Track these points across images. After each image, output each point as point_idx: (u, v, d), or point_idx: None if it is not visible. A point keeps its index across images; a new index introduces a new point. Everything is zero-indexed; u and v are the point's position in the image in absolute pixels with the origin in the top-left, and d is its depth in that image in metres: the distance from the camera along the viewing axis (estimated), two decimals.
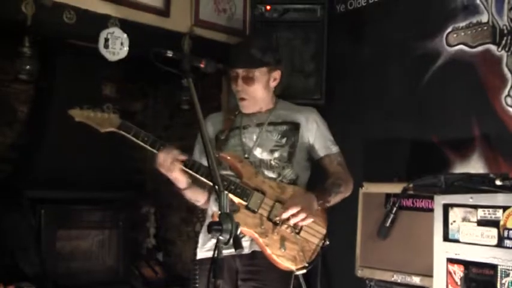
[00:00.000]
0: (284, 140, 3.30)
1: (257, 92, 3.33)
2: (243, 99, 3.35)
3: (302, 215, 3.03)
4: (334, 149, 3.41)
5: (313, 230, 3.16)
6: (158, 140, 3.15)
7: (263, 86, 3.33)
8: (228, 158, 3.26)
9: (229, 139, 3.38)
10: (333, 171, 3.38)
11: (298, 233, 3.13)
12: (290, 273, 3.11)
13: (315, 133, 3.38)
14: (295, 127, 3.35)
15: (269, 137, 3.32)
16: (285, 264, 3.10)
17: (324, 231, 3.20)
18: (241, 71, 3.30)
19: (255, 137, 3.33)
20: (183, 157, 3.12)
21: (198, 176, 3.13)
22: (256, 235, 3.11)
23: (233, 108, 3.54)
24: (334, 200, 3.27)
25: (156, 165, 3.16)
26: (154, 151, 3.14)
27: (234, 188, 3.12)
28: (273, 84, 3.39)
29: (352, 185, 3.43)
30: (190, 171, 3.14)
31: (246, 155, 3.30)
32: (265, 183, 3.21)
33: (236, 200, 3.15)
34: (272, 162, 3.28)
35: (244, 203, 3.14)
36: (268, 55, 3.34)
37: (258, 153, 3.30)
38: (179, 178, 3.20)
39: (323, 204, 3.18)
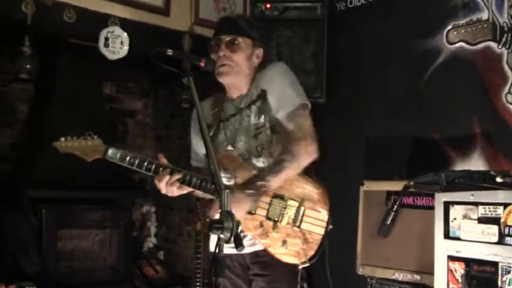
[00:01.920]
0: (262, 119, 3.12)
1: (240, 61, 3.15)
2: (224, 65, 3.12)
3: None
4: (295, 102, 3.08)
5: (313, 219, 3.03)
6: (146, 160, 3.04)
7: (246, 56, 3.17)
8: (221, 160, 3.13)
9: (216, 135, 3.26)
10: (289, 134, 3.07)
11: (299, 226, 3.03)
12: (297, 266, 3.07)
13: (273, 94, 3.11)
14: (264, 97, 3.14)
15: (249, 122, 3.16)
16: (289, 261, 3.04)
17: (325, 217, 3.04)
18: (224, 37, 3.15)
19: (237, 126, 3.21)
20: (176, 177, 3.00)
21: (196, 190, 3.04)
22: (257, 238, 3.07)
23: (217, 98, 3.39)
24: (281, 179, 3.01)
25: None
26: (143, 171, 3.05)
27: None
28: (255, 61, 3.22)
29: (310, 149, 3.06)
30: (189, 187, 3.04)
31: (232, 149, 3.18)
32: (241, 168, 3.10)
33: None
34: (259, 148, 3.13)
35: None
36: (255, 31, 3.22)
37: (245, 142, 3.16)
38: (184, 192, 3.09)
39: (259, 191, 2.98)
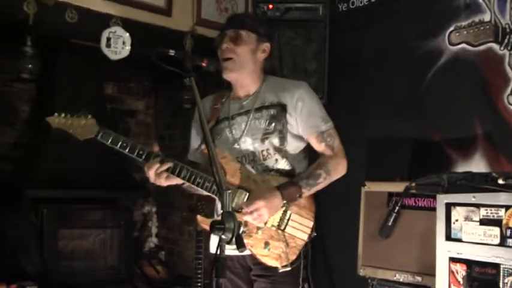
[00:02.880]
0: (272, 126, 3.12)
1: (244, 55, 3.15)
2: (227, 58, 3.13)
3: (257, 214, 2.92)
4: (324, 126, 3.16)
5: (299, 224, 3.04)
6: (138, 146, 3.06)
7: (251, 50, 3.17)
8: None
9: (219, 133, 3.26)
10: (320, 153, 3.19)
11: (283, 230, 3.03)
12: (299, 266, 3.08)
13: (300, 112, 3.14)
14: (282, 109, 3.14)
15: (257, 125, 3.15)
16: (269, 263, 3.04)
17: (310, 223, 3.06)
18: (229, 31, 3.17)
19: (243, 127, 3.18)
20: (165, 166, 3.02)
21: (185, 181, 3.04)
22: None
23: (220, 95, 3.38)
24: (311, 191, 3.07)
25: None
26: (134, 157, 3.07)
27: (214, 188, 2.99)
28: (261, 55, 3.23)
29: (341, 168, 3.18)
30: (178, 178, 3.05)
31: (234, 149, 3.18)
32: (250, 179, 3.09)
33: (220, 200, 3.08)
34: (264, 152, 3.14)
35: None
36: (260, 27, 3.24)
37: (249, 144, 3.16)
38: (172, 183, 3.12)
39: (293, 200, 3.02)
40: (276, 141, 3.13)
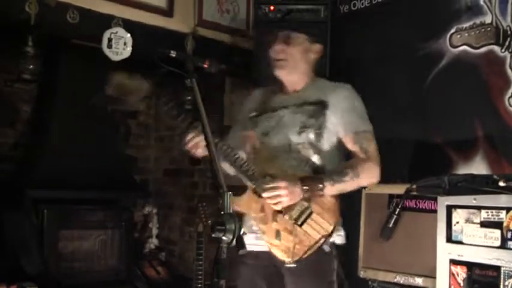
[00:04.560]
0: (311, 121, 3.17)
1: (296, 55, 3.25)
2: (280, 59, 3.25)
3: (276, 193, 2.97)
4: (362, 128, 3.21)
5: (317, 225, 3.01)
6: (184, 113, 3.23)
7: (302, 50, 3.27)
8: (249, 139, 3.29)
9: (261, 121, 3.34)
10: (353, 154, 3.20)
11: (300, 225, 3.02)
12: (329, 254, 3.09)
13: (341, 110, 3.19)
14: (323, 106, 3.20)
15: (297, 119, 3.21)
16: (277, 254, 3.06)
17: (329, 228, 3.01)
18: (281, 33, 3.27)
19: (284, 120, 3.25)
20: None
21: (223, 159, 3.13)
22: (256, 221, 3.13)
23: (270, 88, 3.47)
24: (335, 189, 3.05)
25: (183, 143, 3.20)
26: (177, 121, 3.23)
27: (245, 169, 3.09)
28: (312, 56, 3.33)
29: (372, 174, 3.17)
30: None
31: (271, 138, 3.25)
32: (280, 169, 3.13)
33: (246, 181, 3.15)
34: (299, 146, 3.17)
35: (252, 186, 3.12)
36: (311, 29, 3.35)
37: (286, 136, 3.21)
38: (206, 154, 3.10)
39: (314, 192, 3.02)
40: (311, 136, 3.17)
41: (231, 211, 2.14)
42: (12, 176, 5.35)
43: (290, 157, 3.19)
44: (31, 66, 4.38)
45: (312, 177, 3.07)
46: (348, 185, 3.09)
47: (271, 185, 2.99)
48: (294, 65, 3.27)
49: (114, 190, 5.61)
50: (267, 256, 3.13)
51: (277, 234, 3.05)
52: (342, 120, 3.19)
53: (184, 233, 6.20)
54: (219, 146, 3.07)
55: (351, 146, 3.19)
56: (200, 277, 4.42)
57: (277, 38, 3.27)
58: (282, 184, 2.97)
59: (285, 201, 2.99)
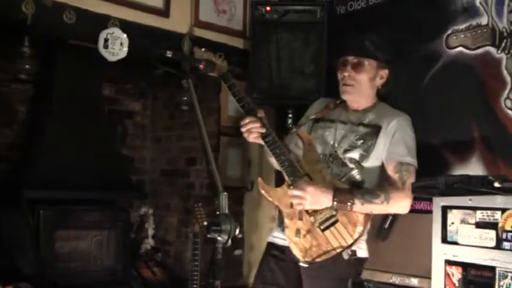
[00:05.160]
0: (360, 142, 3.26)
1: (363, 82, 3.32)
2: (347, 84, 3.33)
3: (300, 194, 3.05)
4: (407, 159, 3.22)
5: (339, 235, 3.06)
6: (248, 101, 3.22)
7: (370, 77, 3.34)
8: (301, 136, 3.34)
9: (317, 127, 3.46)
10: (390, 181, 3.20)
11: (323, 230, 3.08)
12: (349, 260, 3.10)
13: (391, 137, 3.25)
14: (376, 131, 3.28)
15: (348, 137, 3.31)
16: (294, 251, 3.13)
17: (350, 240, 3.05)
18: (351, 58, 3.33)
19: (338, 133, 3.34)
20: (261, 130, 3.18)
21: (269, 151, 3.22)
22: (283, 213, 3.21)
23: (336, 100, 3.51)
24: (363, 208, 3.06)
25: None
26: (239, 106, 3.24)
27: (286, 164, 3.16)
28: (379, 81, 3.39)
29: (403, 204, 3.16)
30: (264, 145, 3.23)
31: (321, 145, 3.36)
32: (320, 174, 3.19)
33: (285, 176, 3.18)
34: (345, 160, 3.26)
35: (289, 182, 3.16)
36: (380, 51, 3.36)
37: (335, 148, 3.31)
38: (256, 142, 3.28)
39: (343, 205, 3.05)
40: (357, 156, 3.25)
41: (227, 212, 2.14)
42: (8, 176, 5.34)
43: (333, 166, 3.29)
44: (27, 66, 4.39)
45: (346, 191, 3.10)
46: (377, 208, 3.12)
47: (298, 187, 3.08)
48: (360, 91, 3.35)
49: (110, 190, 5.60)
50: (289, 252, 3.21)
51: (297, 232, 3.13)
52: (390, 148, 3.24)
53: (181, 234, 6.20)
54: (267, 139, 3.19)
55: (391, 173, 3.21)
56: (196, 278, 4.42)
57: (347, 63, 3.34)
58: (309, 189, 3.04)
59: (307, 204, 3.06)
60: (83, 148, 5.34)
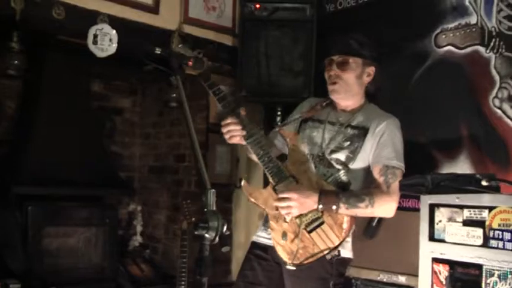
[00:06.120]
0: (346, 144, 3.25)
1: (350, 80, 3.31)
2: (334, 83, 3.31)
3: (286, 204, 3.04)
4: (393, 163, 3.19)
5: (325, 236, 3.06)
6: (229, 100, 3.22)
7: (356, 75, 3.32)
8: (285, 136, 3.36)
9: (304, 127, 3.44)
10: (375, 184, 3.19)
11: (309, 232, 3.07)
12: (331, 261, 3.10)
13: (378, 140, 3.23)
14: (363, 133, 3.27)
15: (335, 138, 3.30)
16: (280, 254, 3.11)
17: (336, 241, 3.05)
18: (336, 57, 3.32)
19: (325, 134, 3.33)
20: (242, 133, 3.19)
21: (252, 153, 3.24)
22: (268, 216, 3.20)
23: (324, 100, 3.50)
24: (348, 212, 3.06)
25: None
26: (219, 106, 3.25)
27: (270, 166, 3.15)
28: (366, 79, 3.37)
29: (388, 207, 3.15)
30: (247, 147, 3.24)
31: (307, 145, 3.35)
32: (306, 174, 3.21)
33: (269, 178, 3.17)
34: (332, 161, 3.25)
35: (273, 184, 3.15)
36: (366, 49, 3.35)
37: (321, 150, 3.30)
38: (235, 142, 3.29)
39: (328, 209, 3.05)
40: (343, 157, 3.24)
41: (214, 208, 2.14)
42: None
43: (320, 166, 3.28)
44: (16, 62, 4.37)
45: (331, 194, 3.10)
46: (361, 211, 3.11)
47: (283, 195, 3.06)
48: (347, 89, 3.33)
49: (98, 187, 5.61)
50: (273, 252, 3.20)
51: (284, 234, 3.11)
52: (377, 150, 3.23)
53: (169, 231, 6.20)
54: (249, 141, 3.19)
55: (377, 176, 3.19)
56: (184, 275, 4.42)
57: (332, 62, 3.33)
58: (294, 196, 3.03)
59: (295, 212, 3.06)
60: (71, 144, 5.33)
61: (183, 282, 4.43)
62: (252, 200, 3.22)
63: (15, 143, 5.48)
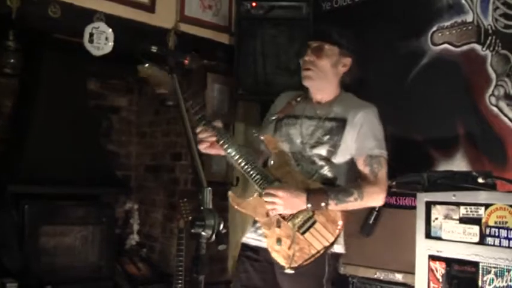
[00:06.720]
0: (326, 138, 3.19)
1: (324, 67, 3.24)
2: (308, 69, 3.24)
3: (274, 204, 3.02)
4: (376, 152, 3.16)
5: (319, 235, 3.04)
6: (203, 114, 3.15)
7: (332, 63, 3.26)
8: (265, 142, 3.28)
9: (281, 125, 3.36)
10: (362, 176, 3.17)
11: (303, 233, 3.04)
12: (324, 256, 3.07)
13: (358, 131, 3.18)
14: (342, 125, 3.20)
15: (314, 132, 3.23)
16: (277, 259, 3.08)
17: (331, 238, 3.02)
18: (312, 43, 3.27)
19: (303, 130, 3.26)
20: (212, 138, 3.13)
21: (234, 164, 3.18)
22: (260, 224, 3.17)
23: (299, 94, 3.47)
24: (338, 207, 3.03)
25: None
26: (191, 113, 3.15)
27: (254, 173, 3.10)
28: (342, 69, 3.31)
29: (376, 197, 3.13)
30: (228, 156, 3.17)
31: (287, 145, 3.29)
32: (290, 175, 3.15)
33: (255, 186, 3.13)
34: (313, 158, 3.20)
35: (260, 191, 3.11)
36: (343, 39, 3.31)
37: (302, 146, 3.24)
38: (213, 152, 3.25)
39: (317, 207, 3.02)
40: (324, 152, 3.18)
41: (211, 207, 2.14)
42: None
43: (303, 164, 3.23)
44: (12, 61, 4.37)
45: (319, 192, 3.06)
46: (351, 205, 3.08)
47: (269, 191, 3.03)
48: (321, 77, 3.27)
49: (95, 186, 5.59)
50: (265, 253, 3.17)
51: (278, 240, 3.08)
52: (358, 142, 3.18)
53: (166, 229, 6.19)
54: (229, 151, 3.13)
55: (362, 167, 3.17)
56: (181, 273, 4.42)
57: (308, 48, 3.28)
58: (280, 193, 3.00)
59: (280, 209, 3.03)
60: (68, 143, 5.32)
61: (180, 281, 4.43)
62: (241, 210, 3.19)
63: (11, 142, 5.47)
